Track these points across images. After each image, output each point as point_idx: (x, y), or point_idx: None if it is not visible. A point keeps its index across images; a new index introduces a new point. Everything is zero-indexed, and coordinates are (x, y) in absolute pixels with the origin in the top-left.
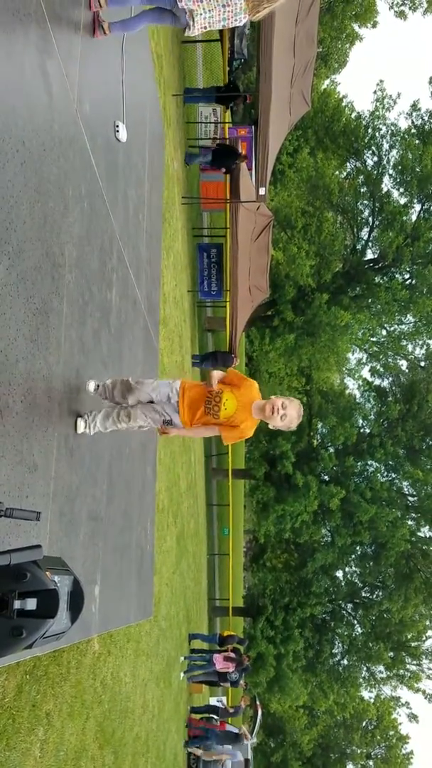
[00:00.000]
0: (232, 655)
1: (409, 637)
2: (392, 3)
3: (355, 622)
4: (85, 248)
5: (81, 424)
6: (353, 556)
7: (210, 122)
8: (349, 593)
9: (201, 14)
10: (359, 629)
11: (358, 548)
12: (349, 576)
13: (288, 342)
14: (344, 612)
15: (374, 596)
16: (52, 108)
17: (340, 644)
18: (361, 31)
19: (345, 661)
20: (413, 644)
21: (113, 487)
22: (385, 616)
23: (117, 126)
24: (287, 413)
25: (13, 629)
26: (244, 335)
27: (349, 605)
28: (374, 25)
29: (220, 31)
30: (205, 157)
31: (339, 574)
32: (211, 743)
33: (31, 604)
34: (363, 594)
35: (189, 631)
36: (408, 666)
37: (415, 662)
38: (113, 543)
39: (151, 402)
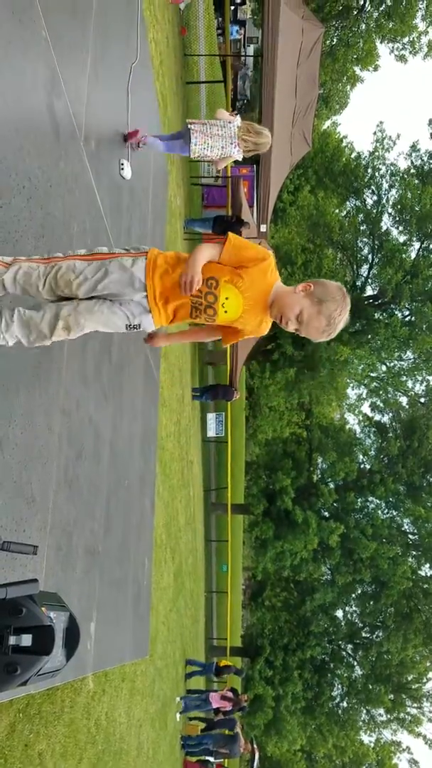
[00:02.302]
0: (229, 694)
1: (409, 679)
2: (393, 48)
3: (355, 663)
4: None
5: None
6: (353, 595)
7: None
8: (349, 633)
9: (203, 148)
10: (359, 670)
11: (358, 586)
12: (348, 615)
13: (288, 376)
14: (344, 653)
15: (374, 636)
16: (59, 146)
17: (339, 686)
18: (362, 74)
19: (344, 704)
20: (414, 686)
21: (111, 520)
22: (385, 657)
23: (122, 164)
24: (333, 321)
25: (8, 665)
26: (244, 368)
27: (349, 646)
28: (375, 68)
29: (224, 73)
30: (204, 225)
31: (339, 613)
32: None
33: (27, 640)
34: (363, 634)
35: (186, 658)
36: (408, 709)
37: (415, 705)
38: (110, 578)
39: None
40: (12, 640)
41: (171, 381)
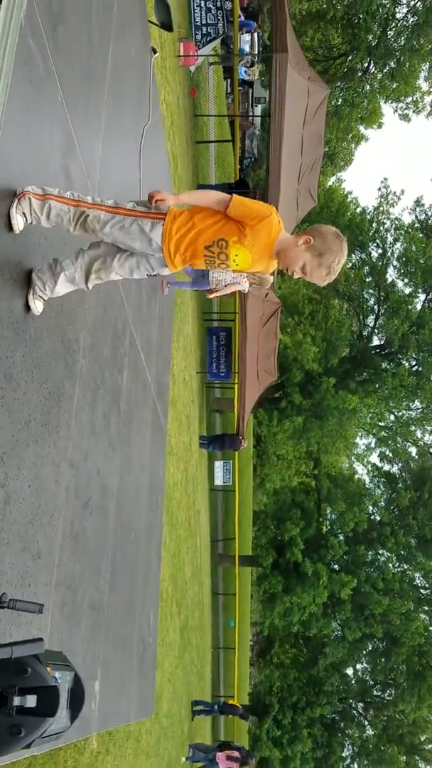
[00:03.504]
0: (236, 754)
1: (422, 739)
2: (396, 107)
3: (366, 722)
4: (99, 334)
5: (37, 304)
6: (364, 651)
7: None
8: (360, 692)
9: (219, 273)
10: (370, 730)
11: (369, 643)
12: (360, 673)
13: (296, 424)
14: (355, 712)
15: (386, 695)
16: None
17: (350, 746)
18: (367, 132)
19: (356, 765)
20: (427, 747)
21: (116, 574)
22: (397, 716)
23: None
24: (333, 269)
25: (12, 727)
26: (252, 416)
27: (360, 705)
28: (379, 126)
29: (232, 132)
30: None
31: (349, 671)
32: None
33: (31, 701)
34: (374, 692)
35: (192, 702)
36: None
37: (429, 767)
38: (115, 635)
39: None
40: (17, 700)
41: (179, 429)
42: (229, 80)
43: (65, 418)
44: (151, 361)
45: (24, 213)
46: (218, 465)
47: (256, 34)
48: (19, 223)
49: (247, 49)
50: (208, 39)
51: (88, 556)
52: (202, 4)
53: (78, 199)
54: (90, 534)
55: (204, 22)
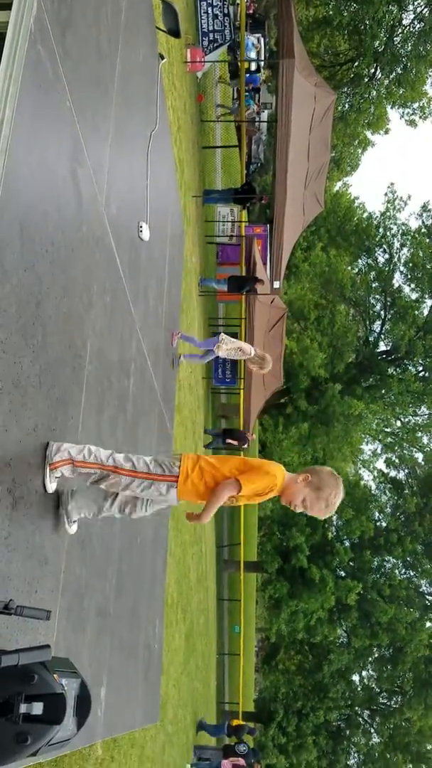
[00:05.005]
0: (241, 762)
1: (429, 748)
2: (403, 112)
3: (372, 730)
4: (106, 340)
5: (73, 527)
6: (370, 659)
7: (227, 221)
8: (366, 699)
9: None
10: (376, 738)
11: (375, 650)
12: (365, 680)
13: (302, 431)
14: (360, 719)
15: (392, 702)
16: (81, 211)
17: (356, 754)
18: (373, 137)
19: None
20: None
21: (122, 580)
22: (403, 724)
23: (141, 226)
24: (331, 502)
25: (18, 735)
26: (257, 422)
27: (366, 712)
28: (386, 132)
29: (239, 138)
30: (219, 284)
31: (355, 677)
32: None
33: (38, 708)
34: (380, 700)
35: (197, 722)
36: None
37: None
38: (121, 641)
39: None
40: (23, 708)
41: (184, 434)
42: (236, 87)
43: (72, 423)
44: (157, 367)
45: (56, 477)
46: None
47: (262, 40)
48: (52, 487)
49: (253, 55)
50: (215, 45)
51: (94, 562)
52: (209, 11)
53: (102, 464)
54: (96, 540)
55: (211, 28)
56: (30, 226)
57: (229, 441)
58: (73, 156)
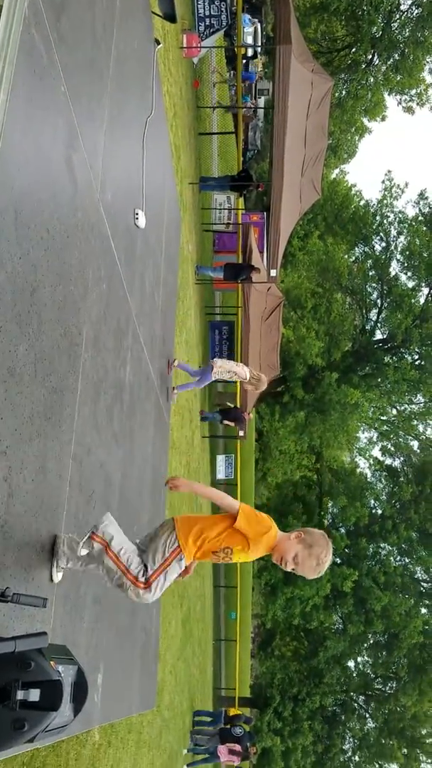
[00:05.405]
0: (237, 747)
1: (423, 733)
2: (400, 99)
3: (367, 715)
4: (102, 328)
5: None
6: (365, 645)
7: (224, 208)
8: (361, 685)
9: (224, 361)
10: (371, 723)
11: (370, 637)
12: (361, 666)
13: (298, 419)
14: (356, 704)
15: (387, 688)
16: (76, 198)
17: (351, 739)
18: (370, 124)
19: (356, 758)
20: (428, 741)
21: None
22: (398, 710)
23: (136, 213)
24: (321, 560)
25: (15, 722)
26: (254, 411)
27: (361, 697)
28: (383, 119)
29: (235, 125)
30: (216, 272)
31: (350, 663)
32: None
33: (35, 695)
34: (375, 686)
35: (193, 713)
36: (423, 765)
37: (430, 760)
38: (117, 628)
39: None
40: (20, 695)
41: (181, 423)
42: (232, 72)
43: (68, 411)
44: (154, 355)
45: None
46: (220, 459)
47: (259, 26)
48: (58, 577)
49: (250, 40)
50: (212, 30)
51: None
52: None
53: (127, 568)
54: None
55: (207, 13)
56: (25, 213)
57: (227, 422)
58: (68, 142)
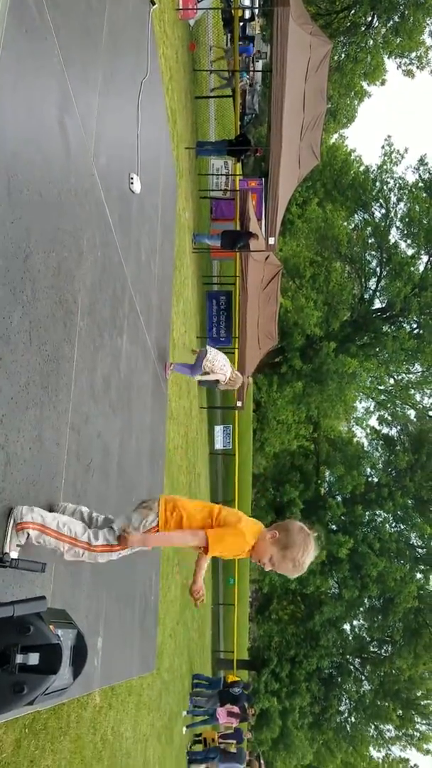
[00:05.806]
0: (236, 709)
1: (418, 695)
2: (400, 62)
3: (363, 678)
4: (98, 296)
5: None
6: (361, 609)
7: (221, 174)
8: (357, 648)
9: (215, 354)
10: (367, 685)
11: (366, 601)
12: (356, 629)
13: (296, 389)
14: (352, 667)
15: (382, 651)
16: (70, 161)
17: (347, 701)
18: (370, 88)
19: (352, 719)
20: (423, 702)
21: None
22: (393, 672)
23: (132, 178)
24: (298, 562)
25: (14, 685)
26: (252, 381)
27: (357, 660)
28: (382, 83)
29: (233, 88)
30: (213, 240)
31: (346, 627)
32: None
33: (34, 659)
34: (371, 649)
35: (192, 673)
36: (417, 726)
37: (424, 722)
38: (117, 592)
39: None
40: (19, 658)
41: (179, 393)
42: (229, 34)
43: (65, 380)
44: (150, 325)
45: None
46: (218, 429)
47: None
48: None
49: (247, 2)
50: None
51: None
52: None
53: (87, 545)
54: (91, 496)
55: None
56: (17, 176)
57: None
58: (61, 104)
